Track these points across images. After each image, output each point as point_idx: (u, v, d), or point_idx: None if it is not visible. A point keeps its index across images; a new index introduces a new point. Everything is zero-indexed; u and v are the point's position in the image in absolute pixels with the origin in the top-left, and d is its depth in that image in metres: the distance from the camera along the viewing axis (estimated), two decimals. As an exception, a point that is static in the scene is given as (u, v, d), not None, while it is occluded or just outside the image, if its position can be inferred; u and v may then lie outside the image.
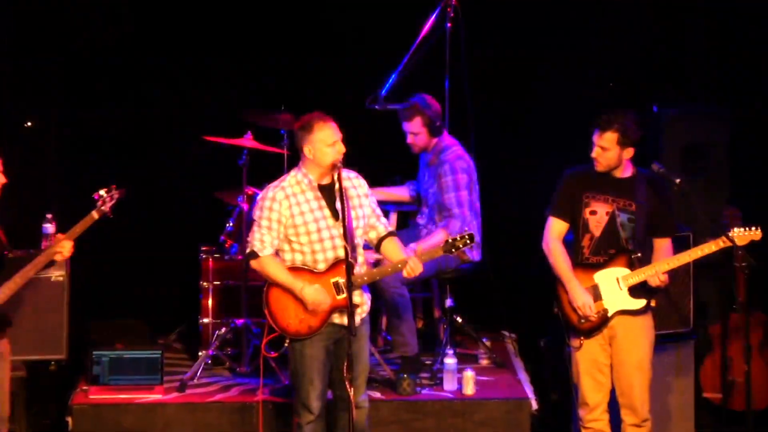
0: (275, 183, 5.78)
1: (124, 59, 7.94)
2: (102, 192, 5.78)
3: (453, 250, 5.75)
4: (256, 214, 5.76)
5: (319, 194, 5.68)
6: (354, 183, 5.80)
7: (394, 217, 7.39)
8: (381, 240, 5.84)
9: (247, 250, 5.76)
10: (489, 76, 7.77)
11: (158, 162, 7.86)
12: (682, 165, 7.16)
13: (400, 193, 7.36)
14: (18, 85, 7.70)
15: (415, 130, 6.96)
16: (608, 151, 5.70)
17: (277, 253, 5.76)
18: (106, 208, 5.77)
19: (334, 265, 5.64)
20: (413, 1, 7.55)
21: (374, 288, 6.25)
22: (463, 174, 6.88)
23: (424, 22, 7.32)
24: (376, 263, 6.40)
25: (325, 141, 5.62)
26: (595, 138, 5.72)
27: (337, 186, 5.65)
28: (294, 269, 5.70)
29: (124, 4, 7.82)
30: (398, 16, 7.65)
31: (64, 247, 5.70)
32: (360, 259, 5.75)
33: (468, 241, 5.74)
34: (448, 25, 7.24)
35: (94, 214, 5.74)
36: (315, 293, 5.63)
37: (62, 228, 5.97)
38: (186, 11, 7.91)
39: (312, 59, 8.01)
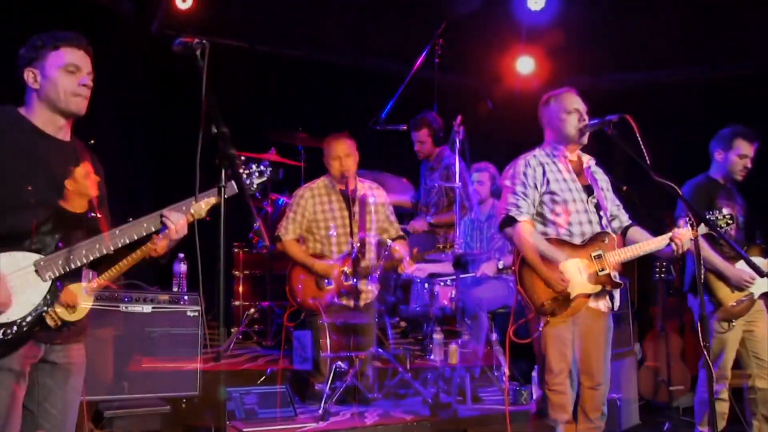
0: (307, 184, 5.97)
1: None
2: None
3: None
4: (288, 206, 5.93)
5: (340, 197, 5.89)
6: (374, 192, 6.00)
7: (393, 217, 7.59)
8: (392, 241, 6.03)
9: (276, 234, 5.92)
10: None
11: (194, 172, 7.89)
12: (629, 175, 7.28)
13: (404, 200, 7.52)
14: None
15: (422, 139, 7.19)
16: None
17: (300, 241, 5.93)
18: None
19: (347, 256, 5.85)
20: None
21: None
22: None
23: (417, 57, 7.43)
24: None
25: (330, 155, 5.88)
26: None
27: (359, 192, 5.86)
28: (313, 257, 5.88)
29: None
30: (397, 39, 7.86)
31: (157, 245, 5.51)
32: (368, 254, 5.93)
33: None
34: (437, 60, 7.39)
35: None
36: (323, 265, 5.82)
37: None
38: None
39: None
